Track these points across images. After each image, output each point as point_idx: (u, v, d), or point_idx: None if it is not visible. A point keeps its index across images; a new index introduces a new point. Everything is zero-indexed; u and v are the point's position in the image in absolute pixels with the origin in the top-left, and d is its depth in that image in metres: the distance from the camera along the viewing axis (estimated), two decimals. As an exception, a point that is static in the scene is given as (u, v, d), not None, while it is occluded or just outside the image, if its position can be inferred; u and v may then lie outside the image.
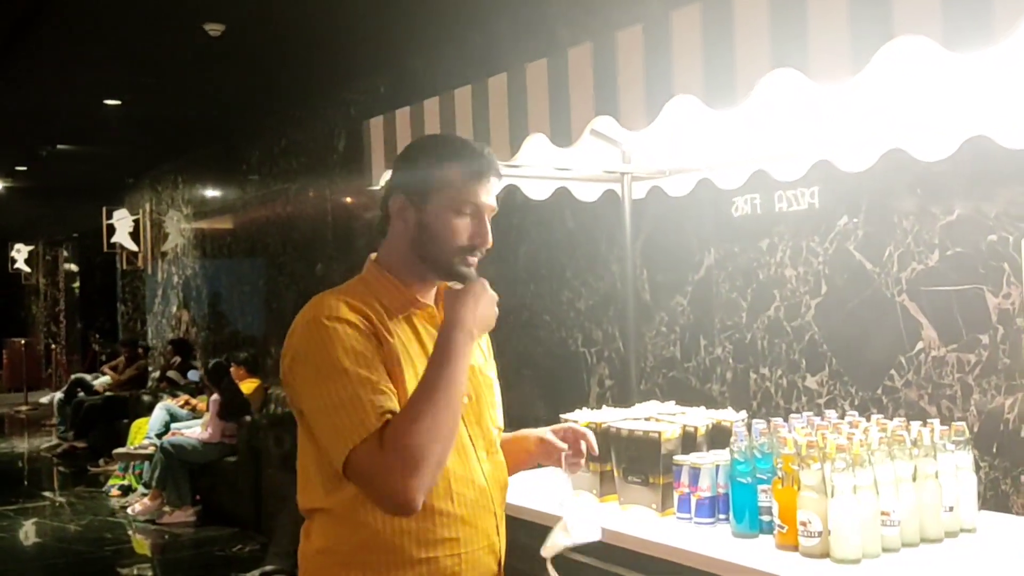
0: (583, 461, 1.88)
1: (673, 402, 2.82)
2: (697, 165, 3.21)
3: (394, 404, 1.54)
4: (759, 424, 2.21)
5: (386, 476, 1.47)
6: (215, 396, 6.80)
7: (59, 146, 9.10)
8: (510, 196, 3.62)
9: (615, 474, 2.48)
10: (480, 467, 1.71)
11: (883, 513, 1.98)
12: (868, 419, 2.28)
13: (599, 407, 4.99)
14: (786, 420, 2.26)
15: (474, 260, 1.70)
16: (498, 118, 2.40)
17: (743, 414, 2.56)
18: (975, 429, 3.25)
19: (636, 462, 2.41)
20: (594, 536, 1.86)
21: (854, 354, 3.65)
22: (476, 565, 1.66)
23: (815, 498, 1.96)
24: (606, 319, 4.98)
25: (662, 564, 2.16)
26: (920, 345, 3.43)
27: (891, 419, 3.46)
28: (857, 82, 1.69)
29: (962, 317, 3.29)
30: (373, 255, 1.77)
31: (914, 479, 2.06)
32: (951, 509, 2.09)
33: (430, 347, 1.65)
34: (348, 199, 6.84)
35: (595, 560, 2.33)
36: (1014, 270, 3.13)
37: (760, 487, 2.15)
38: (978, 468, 3.22)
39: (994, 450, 3.18)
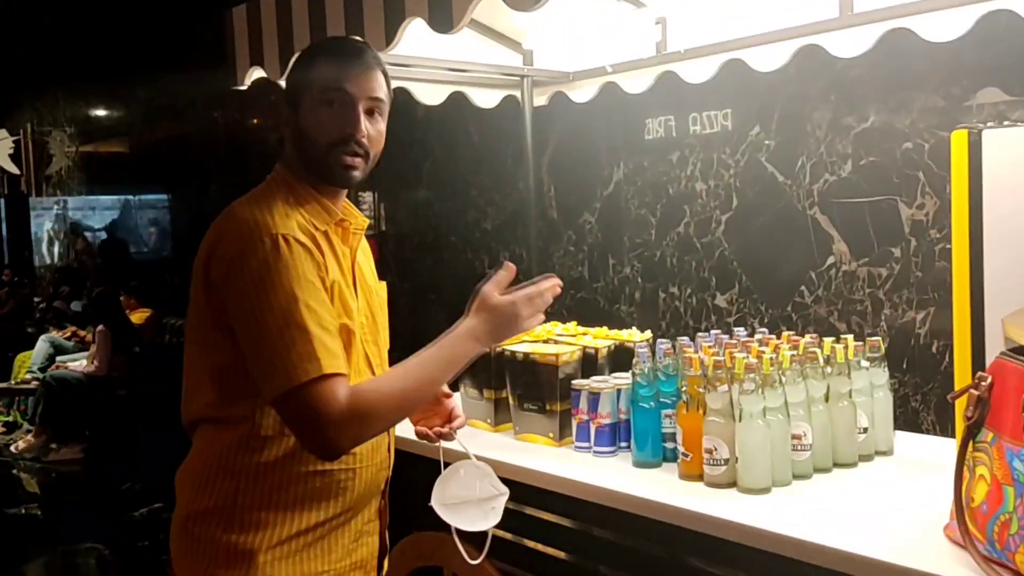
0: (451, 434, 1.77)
1: (575, 322, 2.61)
2: (602, 67, 2.96)
3: (338, 340, 1.48)
4: (664, 344, 2.02)
5: (331, 426, 1.42)
6: (101, 327, 6.38)
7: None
8: (407, 107, 3.32)
9: (510, 402, 2.28)
10: None
11: (794, 437, 1.83)
12: (779, 336, 2.11)
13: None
14: (693, 340, 2.08)
15: (352, 157, 1.55)
16: (372, 3, 2.10)
17: (647, 334, 2.37)
18: (886, 345, 3.17)
19: (532, 388, 2.21)
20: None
21: (764, 271, 3.52)
22: (367, 481, 1.63)
23: (722, 423, 1.79)
24: (514, 239, 4.77)
25: (558, 499, 1.97)
26: (831, 260, 3.31)
27: (802, 336, 3.42)
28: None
29: (874, 229, 3.18)
30: (277, 164, 1.64)
31: (827, 399, 1.90)
32: (865, 431, 1.95)
33: (343, 266, 1.59)
34: (243, 118, 6.40)
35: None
36: (929, 179, 3.01)
37: (664, 412, 1.97)
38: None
39: (904, 366, 3.10)
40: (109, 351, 6.35)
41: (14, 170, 10.29)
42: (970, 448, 1.36)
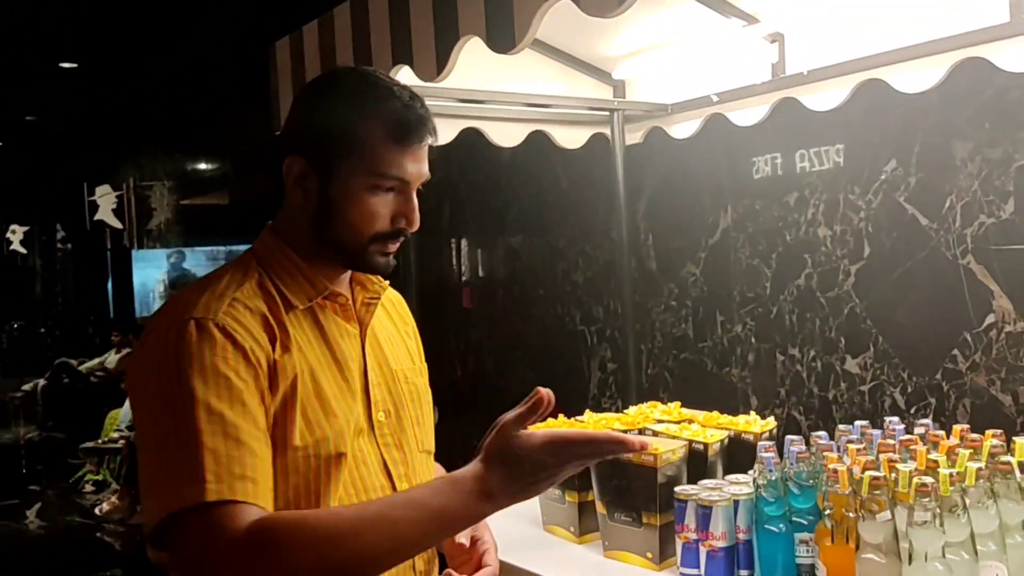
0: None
1: (678, 403, 2.15)
2: (707, 96, 2.52)
3: (257, 460, 1.11)
4: (795, 444, 1.54)
5: (230, 569, 1.04)
6: None
7: (27, 117, 8.53)
8: (487, 150, 2.95)
9: (598, 508, 1.83)
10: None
11: (985, 583, 1.32)
12: (949, 431, 1.61)
13: (601, 394, 4.40)
14: (827, 420, 1.60)
15: (395, 247, 1.30)
16: (421, 19, 1.73)
17: (770, 422, 1.90)
18: (1063, 423, 2.59)
19: (625, 494, 1.76)
20: None
21: (906, 331, 2.99)
22: None
23: (883, 564, 1.31)
24: (607, 293, 4.34)
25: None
26: (991, 318, 2.76)
27: (952, 412, 2.86)
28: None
29: (1046, 282, 2.62)
30: (269, 223, 1.35)
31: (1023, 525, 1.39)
32: (1077, 566, 1.43)
33: (342, 348, 1.28)
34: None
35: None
36: (1115, 220, 2.45)
37: (799, 536, 1.50)
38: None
39: None
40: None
41: (117, 224, 10.49)
42: None
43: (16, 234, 15.38)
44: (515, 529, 2.02)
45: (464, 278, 5.28)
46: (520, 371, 4.90)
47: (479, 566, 1.36)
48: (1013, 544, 1.38)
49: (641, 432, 1.92)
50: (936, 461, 1.40)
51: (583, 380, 4.42)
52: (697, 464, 1.78)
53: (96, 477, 7.18)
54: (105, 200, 10.45)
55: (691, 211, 3.75)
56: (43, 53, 6.30)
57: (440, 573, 1.37)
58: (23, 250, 15.65)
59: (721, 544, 1.60)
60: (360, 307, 1.34)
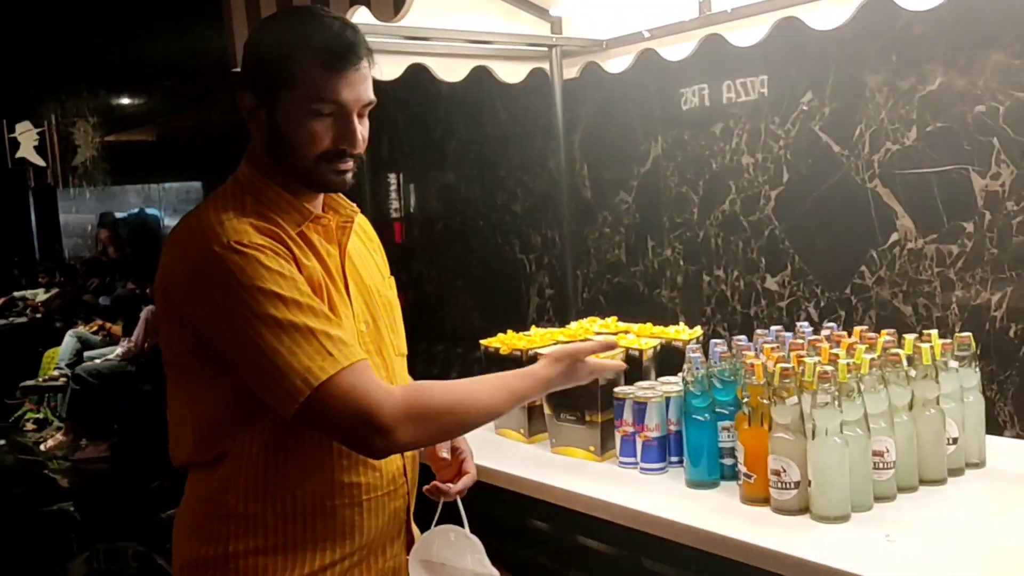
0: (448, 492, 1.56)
1: (615, 317, 2.36)
2: (639, 32, 2.68)
3: (345, 332, 1.34)
4: (718, 345, 1.76)
5: (377, 415, 1.28)
6: (150, 307, 6.23)
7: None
8: (428, 85, 3.07)
9: (545, 411, 2.04)
10: None
11: (875, 454, 1.57)
12: (848, 331, 1.84)
13: (540, 319, 4.61)
14: (750, 335, 1.82)
15: (346, 165, 1.40)
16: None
17: (697, 330, 2.12)
18: (957, 329, 2.88)
19: (569, 396, 1.96)
20: None
21: (820, 250, 3.23)
22: (380, 515, 1.45)
23: (791, 440, 1.54)
24: (544, 222, 4.51)
25: (599, 524, 1.74)
26: (895, 236, 3.02)
27: (860, 322, 3.13)
28: None
29: (943, 203, 2.88)
30: (244, 157, 1.46)
31: (911, 408, 1.64)
32: (955, 441, 1.69)
33: (329, 266, 1.42)
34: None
35: (522, 516, 1.91)
36: (1005, 146, 2.71)
37: (721, 424, 1.73)
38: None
39: (978, 353, 2.82)
40: (151, 335, 6.17)
41: (40, 162, 10.22)
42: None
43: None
44: (469, 434, 2.22)
45: (401, 212, 5.39)
46: (461, 299, 5.07)
47: (460, 472, 1.57)
48: (900, 423, 1.63)
49: (582, 341, 2.13)
50: (837, 355, 1.63)
51: (523, 306, 4.62)
52: (633, 368, 1.99)
53: (37, 415, 7.18)
54: (26, 137, 10.15)
55: (624, 142, 3.92)
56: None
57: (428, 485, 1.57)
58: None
59: (655, 435, 1.83)
60: (336, 230, 1.46)
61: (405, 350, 1.59)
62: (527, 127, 4.38)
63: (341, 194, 1.50)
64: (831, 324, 1.93)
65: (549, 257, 4.45)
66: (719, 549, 1.53)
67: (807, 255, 3.30)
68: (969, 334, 1.75)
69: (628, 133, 3.90)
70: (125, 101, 9.22)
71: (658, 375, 2.01)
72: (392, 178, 5.41)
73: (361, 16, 2.01)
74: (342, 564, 1.41)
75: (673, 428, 1.83)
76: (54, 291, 9.09)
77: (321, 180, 1.40)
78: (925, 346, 1.67)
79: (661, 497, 1.71)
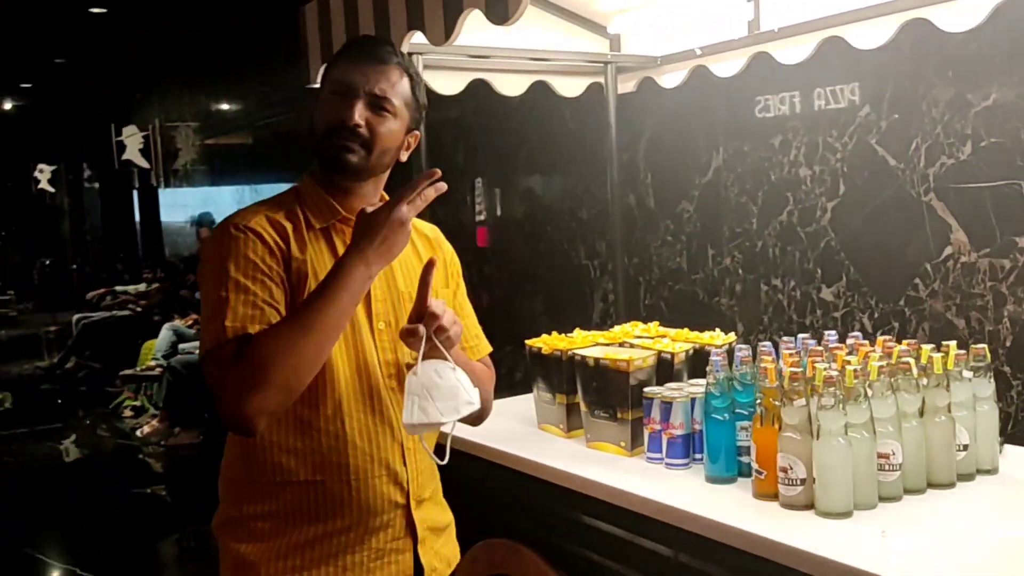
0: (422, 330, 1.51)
1: (656, 323, 2.48)
2: (691, 50, 2.80)
3: (266, 318, 1.45)
4: (741, 350, 1.87)
5: (225, 388, 1.40)
6: None
7: (56, 60, 8.79)
8: (493, 96, 3.23)
9: (582, 407, 2.18)
10: (387, 396, 1.57)
11: (881, 456, 1.66)
12: (873, 342, 1.92)
13: (603, 324, 4.73)
14: (795, 339, 1.93)
15: (343, 140, 1.52)
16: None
17: (730, 336, 2.22)
18: (1007, 343, 2.90)
19: (603, 394, 2.10)
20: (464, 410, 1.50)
21: (875, 262, 3.28)
22: (372, 493, 1.55)
23: (798, 440, 1.64)
24: (609, 229, 4.62)
25: (627, 515, 1.87)
26: (948, 250, 3.05)
27: (914, 334, 3.16)
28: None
29: (996, 217, 2.90)
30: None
31: (921, 414, 1.72)
32: (966, 448, 1.76)
33: None
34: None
35: (559, 505, 2.06)
36: (1059, 162, 2.72)
37: (740, 424, 1.84)
38: (1009, 388, 2.88)
39: (993, 364, 2.82)
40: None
41: (144, 164, 10.81)
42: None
43: (44, 173, 15.74)
44: (515, 428, 2.38)
45: (480, 217, 5.58)
46: (529, 303, 5.23)
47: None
48: (909, 428, 1.71)
49: (621, 345, 2.26)
50: (848, 361, 1.72)
51: (587, 311, 4.75)
52: (665, 370, 2.11)
53: (134, 403, 7.62)
54: (132, 140, 10.75)
55: (685, 153, 4.02)
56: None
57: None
58: (51, 189, 16.04)
59: (679, 432, 1.94)
60: None
61: None
62: (593, 137, 4.51)
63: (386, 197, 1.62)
64: (855, 334, 2.00)
65: (612, 263, 4.57)
66: (728, 539, 1.64)
67: (862, 267, 3.34)
68: (984, 346, 1.81)
69: (689, 144, 3.99)
70: (223, 106, 9.69)
71: (690, 378, 2.12)
72: (470, 184, 5.61)
73: (417, 38, 2.19)
74: (338, 538, 1.53)
75: (697, 427, 1.94)
76: (154, 286, 9.62)
77: (325, 155, 1.54)
78: (937, 356, 1.75)
79: (682, 491, 1.83)
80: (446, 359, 1.50)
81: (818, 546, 1.51)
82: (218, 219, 10.16)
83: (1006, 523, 1.60)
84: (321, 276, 1.48)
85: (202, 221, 10.19)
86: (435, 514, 1.67)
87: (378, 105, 1.53)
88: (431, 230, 1.76)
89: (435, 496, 1.69)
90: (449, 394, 1.47)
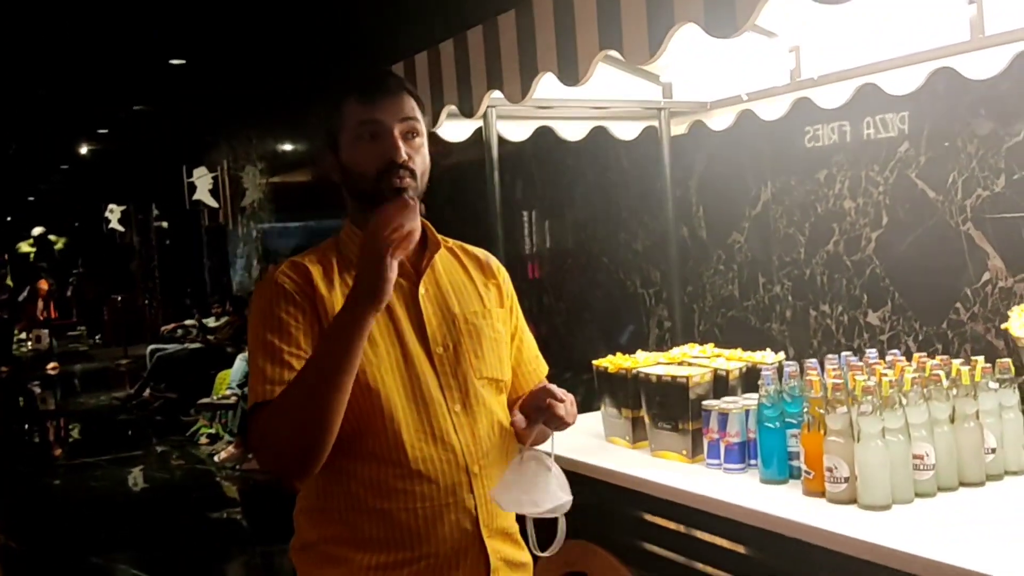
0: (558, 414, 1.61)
1: (712, 343, 2.73)
2: (738, 96, 3.06)
3: (293, 372, 1.49)
4: (790, 366, 2.11)
5: (263, 450, 1.50)
6: None
7: (135, 107, 9.33)
8: (556, 138, 3.52)
9: (646, 420, 2.43)
10: (451, 420, 1.59)
11: (915, 457, 1.88)
12: (912, 359, 2.15)
13: (659, 350, 4.95)
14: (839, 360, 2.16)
15: (401, 179, 1.56)
16: (509, 57, 2.32)
17: (780, 355, 2.46)
18: (1045, 363, 3.08)
19: (665, 408, 2.35)
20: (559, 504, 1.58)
21: (917, 288, 3.48)
22: (440, 522, 1.55)
23: (841, 443, 1.88)
24: (663, 259, 4.87)
25: (690, 512, 2.11)
26: (986, 276, 3.24)
27: (956, 355, 3.34)
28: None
29: (1031, 245, 3.10)
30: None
31: (952, 420, 1.94)
32: (994, 451, 1.97)
33: (394, 298, 1.59)
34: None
35: (627, 508, 2.30)
36: (1087, 192, 2.91)
37: (790, 432, 2.07)
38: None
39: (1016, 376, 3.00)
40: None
41: (214, 204, 11.33)
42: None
43: (114, 213, 16.45)
44: (585, 442, 2.63)
45: (534, 249, 5.87)
46: (587, 331, 5.49)
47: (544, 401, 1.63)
48: (940, 433, 1.93)
49: (680, 364, 2.51)
50: (885, 374, 1.96)
51: (643, 338, 4.98)
52: (721, 386, 2.36)
53: (210, 431, 7.99)
54: (202, 181, 11.29)
55: (735, 187, 4.26)
56: (157, 51, 7.03)
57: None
58: (121, 228, 16.75)
59: (736, 440, 2.19)
60: (413, 262, 1.63)
61: (498, 375, 1.68)
62: (647, 174, 4.78)
63: (432, 228, 1.66)
64: (894, 351, 2.23)
65: (667, 292, 4.81)
66: (782, 530, 1.88)
67: (906, 292, 3.55)
68: (1009, 360, 2.03)
69: (738, 180, 4.23)
70: (287, 147, 10.16)
71: (743, 392, 2.36)
72: (525, 217, 5.90)
73: (495, 95, 2.49)
74: (410, 567, 1.55)
75: (751, 436, 2.18)
76: (224, 319, 10.07)
77: (381, 193, 1.53)
78: (965, 369, 1.97)
79: (739, 491, 2.06)
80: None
81: (860, 532, 1.73)
82: (281, 256, 10.51)
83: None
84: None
85: (268, 256, 10.67)
86: (511, 550, 1.66)
87: (409, 134, 1.58)
88: (483, 253, 1.79)
89: (510, 531, 1.67)
90: (542, 490, 1.54)
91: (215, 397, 7.83)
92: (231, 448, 7.18)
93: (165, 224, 16.03)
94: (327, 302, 1.55)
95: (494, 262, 1.79)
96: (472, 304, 1.68)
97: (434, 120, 2.77)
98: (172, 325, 11.25)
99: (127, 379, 12.41)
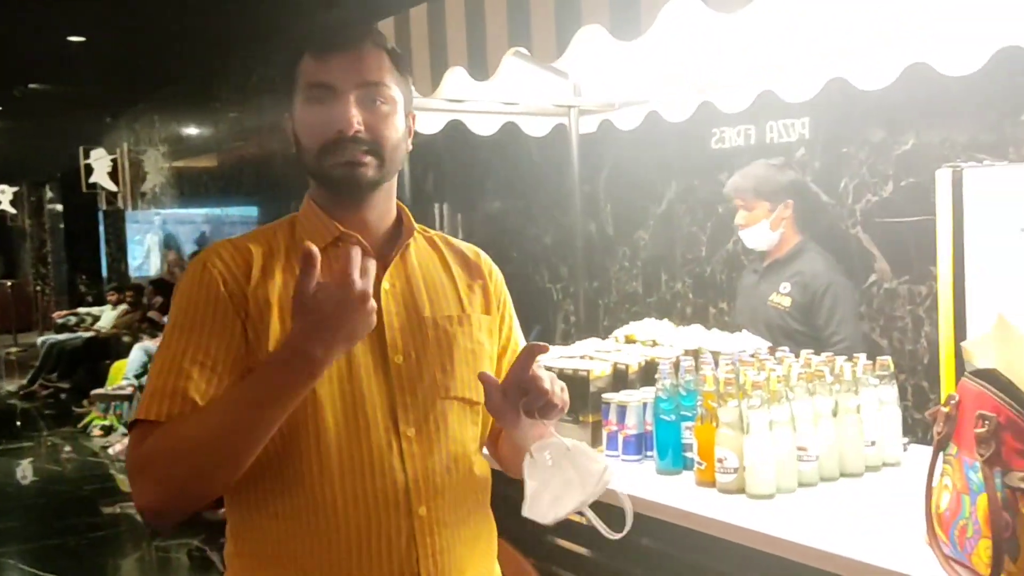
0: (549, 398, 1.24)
1: (614, 338, 2.79)
2: (645, 97, 3.14)
3: (192, 384, 1.19)
4: (686, 361, 2.19)
5: (132, 475, 1.17)
6: None
7: (31, 85, 8.95)
8: (465, 132, 3.55)
9: (548, 412, 2.47)
10: (397, 447, 1.27)
11: (800, 448, 1.98)
12: (798, 355, 2.25)
13: (564, 344, 5.04)
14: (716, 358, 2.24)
15: (349, 154, 1.26)
16: (419, 50, 2.34)
17: (678, 351, 2.54)
18: (925, 361, 3.25)
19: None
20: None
21: (809, 287, 3.63)
22: (358, 547, 1.23)
23: (731, 435, 1.96)
24: (571, 254, 4.94)
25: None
26: (873, 277, 3.41)
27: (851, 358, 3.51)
28: (798, 11, 1.62)
29: (914, 248, 3.27)
30: None
31: (835, 414, 2.04)
32: (873, 444, 2.08)
33: None
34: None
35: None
36: (966, 200, 3.09)
37: (685, 424, 2.14)
38: (927, 401, 3.24)
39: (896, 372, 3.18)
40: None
41: (112, 187, 10.95)
42: (940, 459, 1.50)
43: (5, 194, 15.75)
44: (487, 433, 2.66)
45: (445, 241, 5.87)
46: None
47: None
48: (823, 426, 2.03)
49: (582, 358, 2.56)
50: (772, 369, 2.05)
51: (550, 332, 5.06)
52: (620, 379, 2.42)
53: (104, 422, 7.74)
54: (100, 163, 10.90)
55: (641, 186, 4.37)
56: (54, 27, 6.76)
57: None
58: (12, 210, 16.05)
59: (633, 432, 2.25)
60: (389, 252, 1.34)
61: (470, 395, 1.34)
62: (556, 170, 4.84)
63: (408, 213, 1.39)
64: (783, 348, 2.33)
65: (574, 286, 4.89)
66: (675, 519, 1.95)
67: (799, 291, 3.70)
68: (888, 358, 2.14)
69: (644, 179, 4.34)
70: (192, 131, 9.90)
71: (642, 386, 2.43)
72: (436, 209, 5.91)
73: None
74: None
75: (648, 428, 2.25)
76: (122, 308, 9.76)
77: (329, 177, 1.28)
78: (847, 366, 2.08)
79: (635, 482, 2.12)
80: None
81: (747, 521, 1.81)
82: (184, 243, 10.20)
83: (901, 503, 1.92)
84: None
85: (170, 243, 10.38)
86: None
87: (370, 98, 1.27)
88: (471, 249, 1.49)
89: None
90: (578, 479, 1.26)
91: (110, 388, 7.59)
92: (126, 440, 6.96)
93: (60, 207, 15.42)
94: (260, 294, 1.25)
95: (485, 260, 1.48)
96: (447, 307, 1.37)
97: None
98: (65, 313, 10.84)
99: (16, 369, 11.96)
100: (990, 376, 1.38)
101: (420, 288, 1.36)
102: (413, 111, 1.36)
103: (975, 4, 2.19)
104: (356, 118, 1.25)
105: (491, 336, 1.42)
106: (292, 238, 1.33)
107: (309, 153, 1.28)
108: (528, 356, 1.22)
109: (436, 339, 1.34)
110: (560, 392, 1.28)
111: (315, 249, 1.12)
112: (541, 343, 1.23)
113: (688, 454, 2.14)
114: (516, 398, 1.23)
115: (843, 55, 2.55)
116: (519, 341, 1.50)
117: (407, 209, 1.39)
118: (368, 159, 1.27)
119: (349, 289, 1.12)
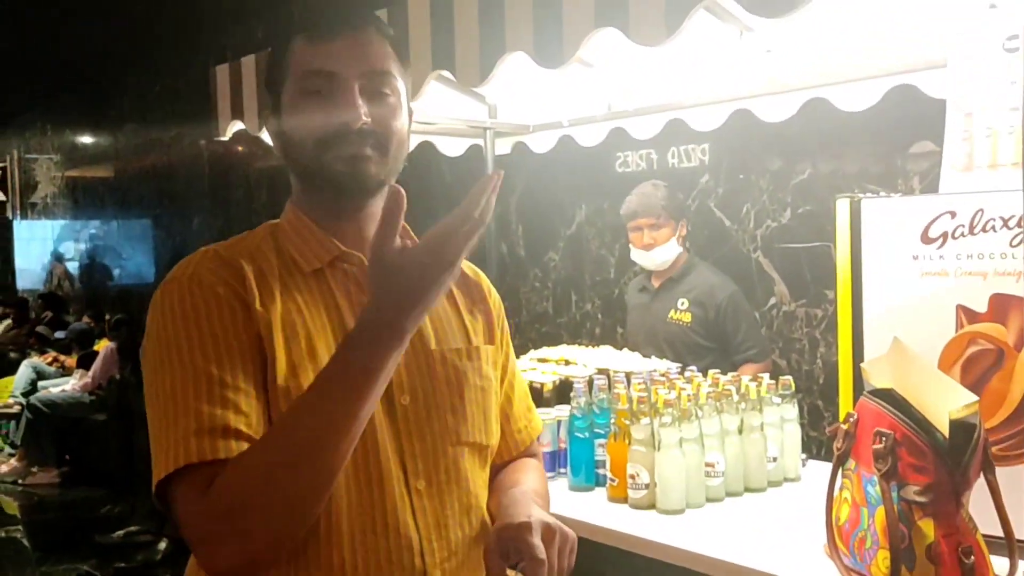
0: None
1: (528, 357, 2.84)
2: (559, 121, 3.21)
3: (241, 415, 1.02)
4: (600, 380, 2.24)
5: (207, 533, 0.98)
6: (112, 344, 6.58)
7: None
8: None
9: (463, 430, 2.49)
10: (409, 502, 1.12)
11: (708, 465, 2.05)
12: (705, 375, 2.34)
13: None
14: (628, 377, 2.30)
15: (352, 147, 1.12)
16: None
17: (591, 370, 2.60)
18: (821, 380, 3.42)
19: (482, 418, 2.42)
20: None
21: (712, 309, 3.76)
22: None
23: (643, 452, 2.02)
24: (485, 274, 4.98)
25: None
26: (772, 300, 3.56)
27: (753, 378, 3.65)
28: (683, 45, 1.70)
29: (811, 273, 3.44)
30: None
31: (740, 431, 2.13)
32: (775, 460, 2.18)
33: (347, 312, 1.14)
34: (225, 149, 6.62)
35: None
36: (858, 229, 3.27)
37: (598, 441, 2.20)
38: (822, 419, 3.39)
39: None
40: (108, 370, 6.52)
41: (0, 196, 10.47)
42: (840, 474, 1.59)
43: None
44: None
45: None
46: (404, 342, 5.52)
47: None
48: (730, 443, 2.12)
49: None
50: (683, 388, 2.12)
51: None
52: (536, 398, 2.46)
53: (-12, 443, 7.39)
54: (-13, 171, 10.43)
55: (552, 208, 4.45)
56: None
57: None
58: None
59: (547, 449, 2.29)
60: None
61: (480, 439, 1.21)
62: (469, 190, 4.88)
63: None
64: (692, 367, 2.42)
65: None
66: (588, 535, 1.99)
67: (703, 313, 3.83)
68: (790, 377, 2.25)
69: (556, 201, 4.42)
70: (88, 140, 9.56)
71: (557, 404, 2.48)
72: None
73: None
74: None
75: (562, 445, 2.29)
76: (6, 323, 9.30)
77: (330, 174, 1.13)
78: (752, 385, 2.17)
79: (549, 498, 2.16)
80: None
81: (657, 535, 1.87)
82: (76, 256, 9.83)
83: (802, 517, 2.01)
84: (311, 330, 1.10)
85: (59, 256, 9.96)
86: None
87: (376, 89, 1.14)
88: (468, 267, 1.32)
89: None
90: None
91: (-4, 406, 7.23)
92: (12, 461, 6.66)
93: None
94: (263, 315, 1.08)
95: (484, 281, 1.35)
96: (453, 338, 1.23)
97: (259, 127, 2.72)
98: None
99: None
100: (887, 395, 1.47)
101: (424, 319, 1.10)
102: (411, 107, 1.23)
103: (872, 44, 2.33)
104: (364, 109, 1.12)
105: (495, 369, 1.27)
106: (280, 255, 1.17)
107: (302, 148, 1.14)
108: (522, 532, 1.07)
109: (445, 376, 1.19)
110: (566, 548, 1.12)
111: (402, 192, 1.00)
112: (542, 524, 1.09)
113: (601, 471, 2.19)
114: (503, 550, 1.09)
115: (749, 88, 2.67)
116: (515, 369, 1.37)
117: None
118: (372, 153, 1.13)
119: (454, 252, 1.00)
